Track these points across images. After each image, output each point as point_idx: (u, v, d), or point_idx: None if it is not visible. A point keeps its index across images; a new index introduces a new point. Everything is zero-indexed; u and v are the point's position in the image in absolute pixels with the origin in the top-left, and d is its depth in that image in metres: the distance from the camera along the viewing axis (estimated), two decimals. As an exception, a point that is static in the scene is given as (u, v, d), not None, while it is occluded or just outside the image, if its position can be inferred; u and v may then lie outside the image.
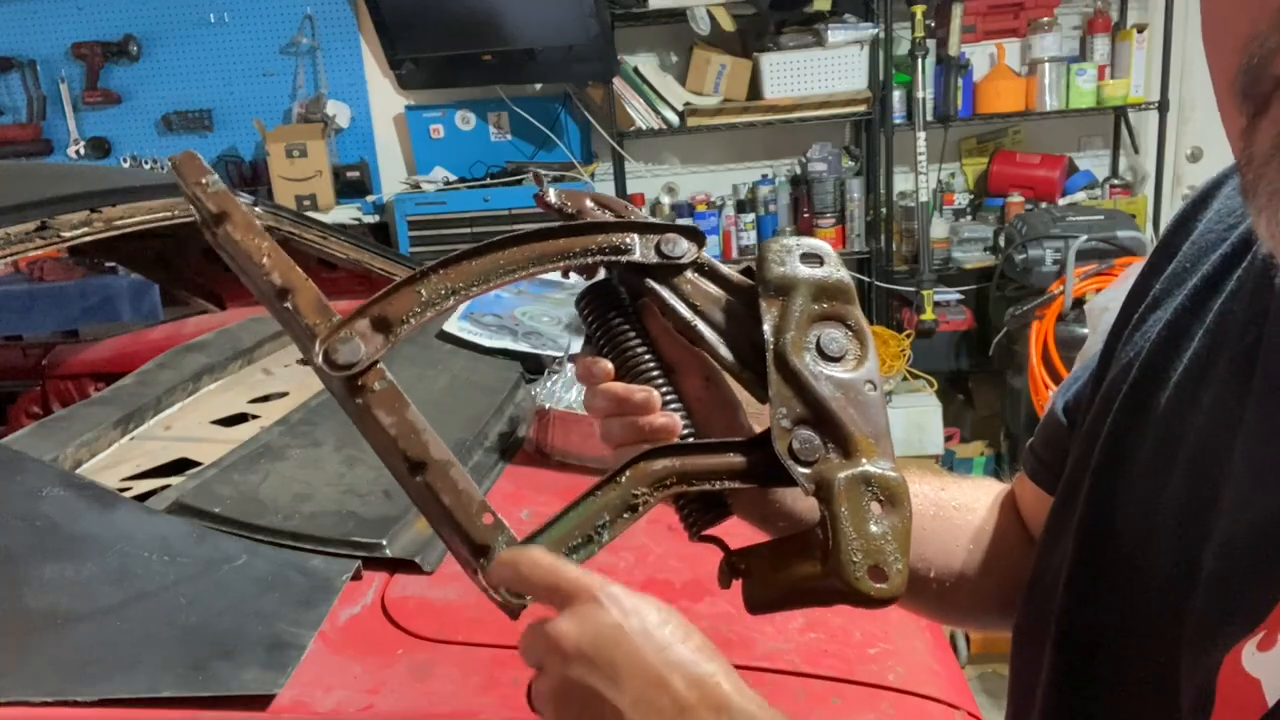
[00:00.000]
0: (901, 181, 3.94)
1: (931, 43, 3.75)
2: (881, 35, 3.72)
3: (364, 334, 0.60)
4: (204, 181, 0.64)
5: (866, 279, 4.00)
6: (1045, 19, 3.85)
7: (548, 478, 1.49)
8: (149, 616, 1.01)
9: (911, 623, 1.17)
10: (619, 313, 0.70)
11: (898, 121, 3.81)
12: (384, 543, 1.16)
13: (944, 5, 3.79)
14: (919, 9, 3.65)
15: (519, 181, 3.93)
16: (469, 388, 1.72)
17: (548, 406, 1.58)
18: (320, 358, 0.59)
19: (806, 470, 0.61)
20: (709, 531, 0.66)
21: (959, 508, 0.79)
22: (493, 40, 3.81)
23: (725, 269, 0.69)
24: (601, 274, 0.70)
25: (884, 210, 3.87)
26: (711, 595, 1.14)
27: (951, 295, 3.94)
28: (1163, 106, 3.82)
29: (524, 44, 3.84)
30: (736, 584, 0.63)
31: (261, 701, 0.93)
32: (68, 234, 1.51)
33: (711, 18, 3.73)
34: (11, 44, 4.23)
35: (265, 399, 1.70)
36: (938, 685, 1.05)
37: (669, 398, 0.68)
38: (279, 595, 1.07)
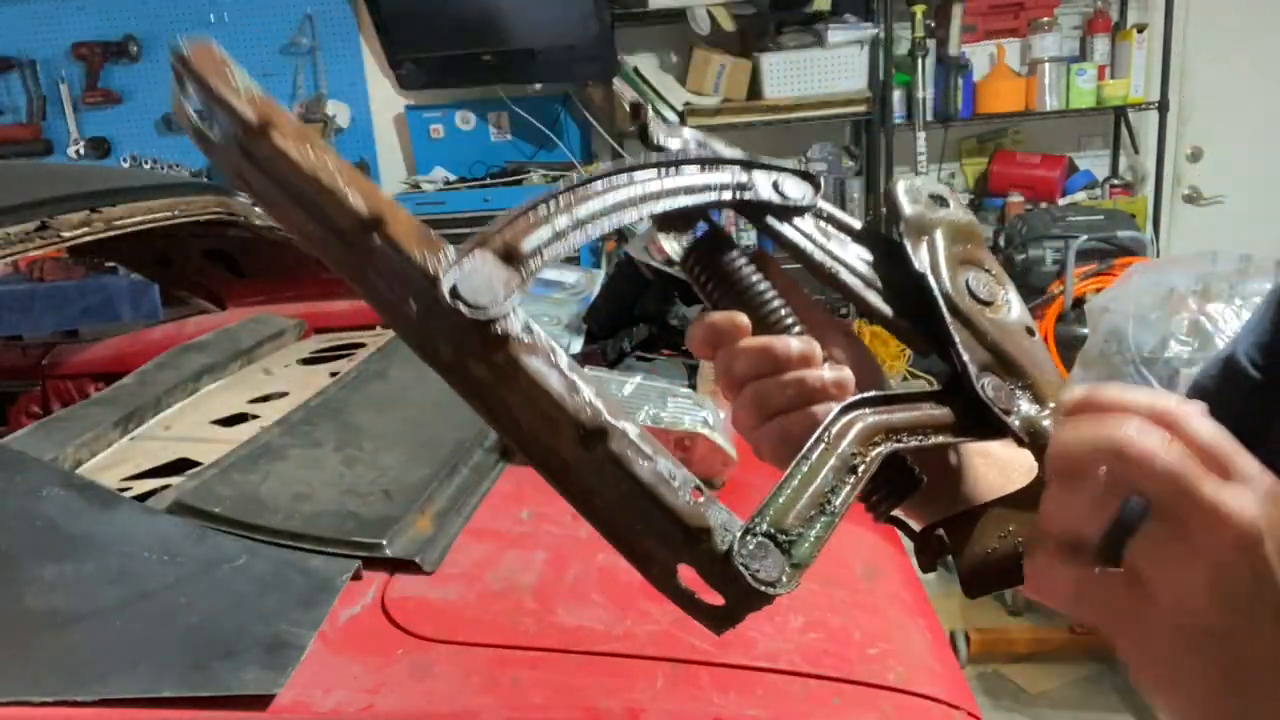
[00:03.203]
0: (901, 181, 3.94)
1: (931, 43, 3.76)
2: (881, 35, 3.72)
3: (491, 268, 0.45)
4: (233, 80, 0.46)
5: (866, 279, 4.01)
6: (1045, 19, 3.86)
7: (548, 478, 1.48)
8: (149, 616, 1.01)
9: (911, 622, 1.17)
10: (742, 262, 0.58)
11: (898, 121, 3.81)
12: (384, 543, 1.16)
13: (944, 5, 3.80)
14: (919, 9, 3.65)
15: (519, 182, 3.93)
16: (469, 388, 1.71)
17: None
18: (448, 293, 0.44)
19: (1015, 420, 0.54)
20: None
21: None
22: (493, 40, 3.82)
23: (842, 214, 0.60)
24: (700, 228, 0.58)
25: (884, 210, 3.87)
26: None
27: (952, 295, 3.94)
28: (1163, 106, 3.83)
29: (524, 44, 3.84)
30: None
31: (261, 701, 0.93)
32: (68, 234, 1.51)
33: (711, 18, 3.74)
34: (11, 44, 4.24)
35: (265, 399, 1.70)
36: (938, 685, 1.05)
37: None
38: (279, 595, 1.07)
